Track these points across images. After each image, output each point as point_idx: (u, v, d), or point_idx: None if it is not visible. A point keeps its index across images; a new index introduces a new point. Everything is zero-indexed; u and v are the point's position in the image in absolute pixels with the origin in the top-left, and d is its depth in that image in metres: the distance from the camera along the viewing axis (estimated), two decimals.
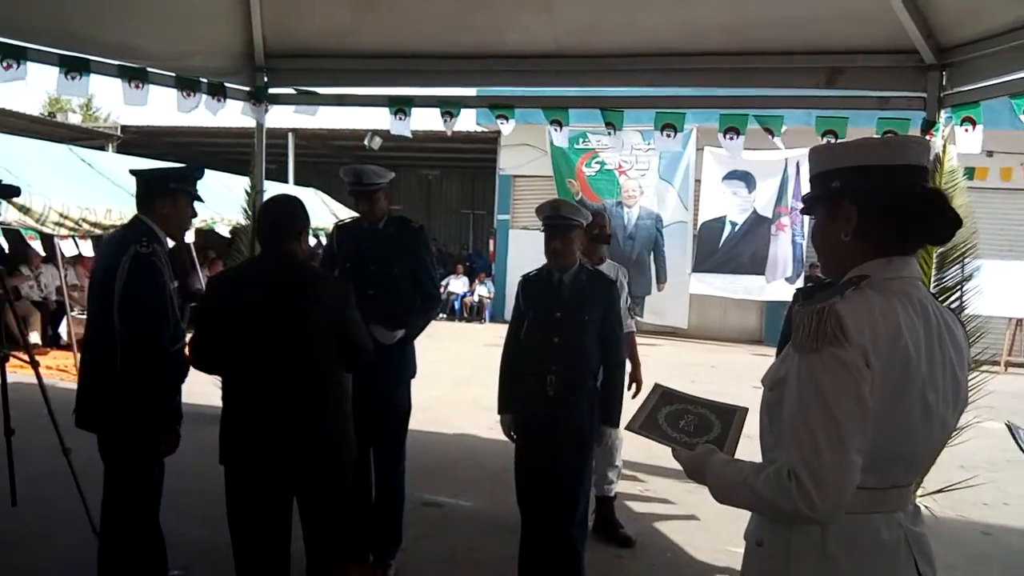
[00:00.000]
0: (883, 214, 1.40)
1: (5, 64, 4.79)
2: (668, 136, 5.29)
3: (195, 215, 3.25)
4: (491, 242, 18.51)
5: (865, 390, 1.29)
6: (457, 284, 17.84)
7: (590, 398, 3.24)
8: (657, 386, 2.02)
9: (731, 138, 5.25)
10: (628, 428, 1.87)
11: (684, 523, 4.69)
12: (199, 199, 3.22)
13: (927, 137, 4.90)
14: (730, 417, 1.80)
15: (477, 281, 17.91)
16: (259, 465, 2.61)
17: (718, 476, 1.51)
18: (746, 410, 1.88)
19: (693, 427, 1.78)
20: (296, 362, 2.61)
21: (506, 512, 4.35)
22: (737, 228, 13.63)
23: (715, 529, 4.56)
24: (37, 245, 8.87)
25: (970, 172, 11.14)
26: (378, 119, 14.82)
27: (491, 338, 13.95)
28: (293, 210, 2.78)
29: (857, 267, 1.42)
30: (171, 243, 3.17)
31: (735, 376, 11.28)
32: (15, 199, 4.40)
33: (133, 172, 3.20)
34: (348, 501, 2.76)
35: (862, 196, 1.41)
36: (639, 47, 5.27)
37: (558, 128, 5.66)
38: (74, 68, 5.16)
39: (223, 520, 2.71)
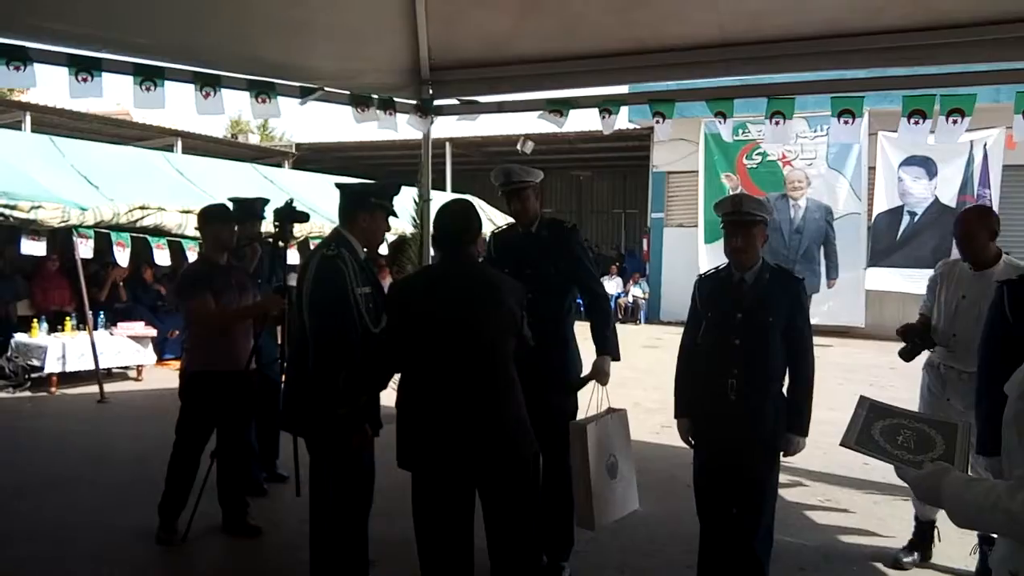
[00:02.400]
0: None
1: (204, 92, 5.24)
2: (846, 123, 4.95)
3: (389, 229, 3.40)
4: (644, 241, 18.24)
5: None
6: (611, 285, 17.70)
7: (775, 404, 3.08)
8: (863, 398, 1.88)
9: (916, 122, 4.83)
10: (843, 444, 1.74)
11: (870, 537, 4.37)
12: (394, 214, 3.36)
13: None
14: (952, 432, 1.65)
15: (631, 282, 17.70)
16: (446, 464, 2.66)
17: (959, 498, 1.36)
18: (969, 424, 1.72)
19: (913, 443, 1.64)
20: (481, 361, 2.67)
21: (676, 520, 4.25)
22: (917, 218, 12.62)
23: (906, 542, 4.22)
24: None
25: None
26: (530, 123, 15.07)
27: (647, 340, 13.73)
28: (467, 214, 2.82)
29: None
30: None
31: (919, 377, 10.45)
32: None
33: (339, 186, 3.36)
34: (535, 498, 2.75)
35: None
36: (811, 30, 4.97)
37: (722, 120, 5.45)
38: (262, 92, 5.58)
39: (402, 515, 2.80)
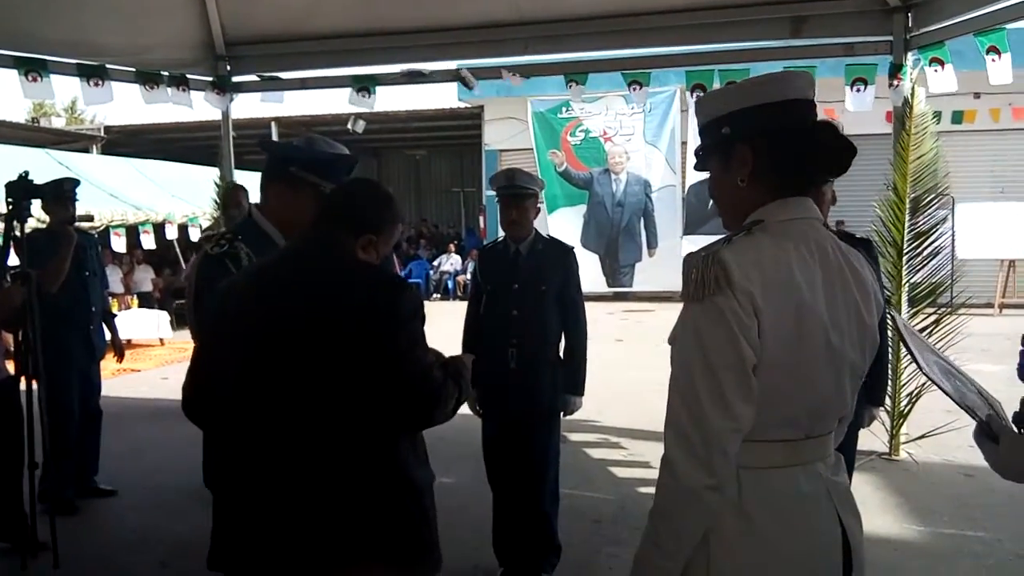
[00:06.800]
0: (777, 152, 1.35)
1: None
2: (635, 90, 5.30)
3: None
4: (480, 219, 18.44)
5: (744, 340, 1.23)
6: (449, 263, 17.82)
7: (552, 368, 3.21)
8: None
9: (698, 96, 5.19)
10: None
11: None
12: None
13: (894, 81, 4.84)
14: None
15: (469, 258, 17.87)
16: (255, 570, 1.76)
17: None
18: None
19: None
20: (301, 413, 1.67)
21: (474, 485, 4.30)
22: None
23: None
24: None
25: (958, 116, 11.03)
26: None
27: None
28: (354, 192, 1.92)
29: (753, 213, 1.36)
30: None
31: None
32: None
33: (261, 144, 2.51)
34: None
35: (754, 137, 1.35)
36: (602, 9, 5.20)
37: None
38: (32, 69, 5.11)
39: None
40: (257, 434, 1.71)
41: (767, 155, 1.35)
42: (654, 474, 4.41)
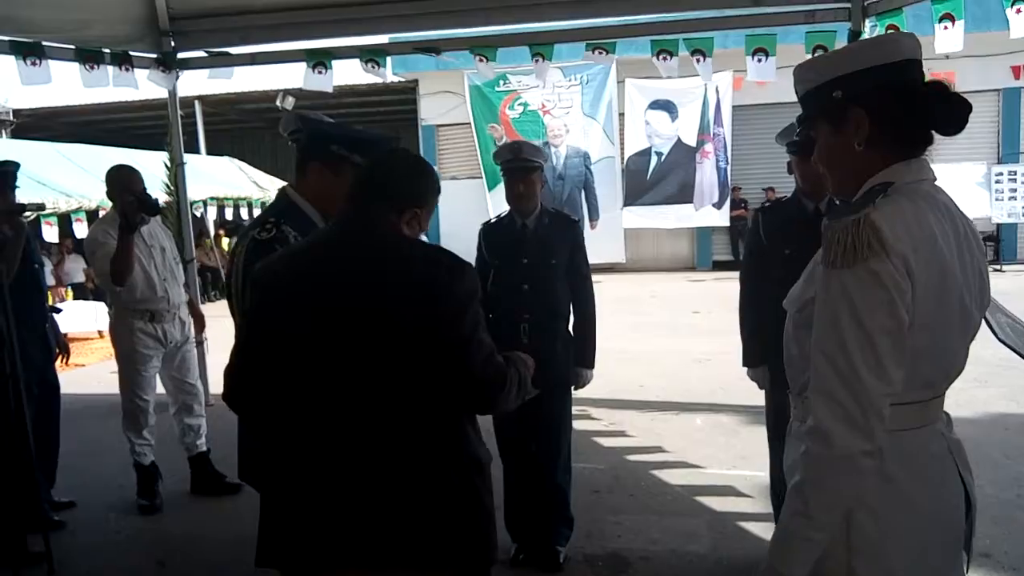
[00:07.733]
0: (895, 113, 1.34)
1: None
2: (601, 54, 5.27)
3: None
4: None
5: (901, 304, 1.22)
6: None
7: (564, 341, 3.22)
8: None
9: (664, 59, 5.21)
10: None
11: (652, 454, 4.76)
12: None
13: None
14: None
15: None
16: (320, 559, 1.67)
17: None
18: None
19: None
20: (364, 396, 1.62)
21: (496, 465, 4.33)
22: (663, 158, 13.74)
23: (684, 454, 4.66)
24: None
25: None
26: (288, 77, 14.31)
27: None
28: (394, 164, 1.79)
29: (876, 176, 1.35)
30: None
31: (674, 303, 11.48)
32: None
33: (300, 117, 2.39)
34: None
35: (870, 99, 1.33)
36: None
37: (483, 61, 5.53)
38: None
39: None
40: (316, 422, 1.66)
41: (885, 117, 1.34)
42: (637, 442, 4.50)
